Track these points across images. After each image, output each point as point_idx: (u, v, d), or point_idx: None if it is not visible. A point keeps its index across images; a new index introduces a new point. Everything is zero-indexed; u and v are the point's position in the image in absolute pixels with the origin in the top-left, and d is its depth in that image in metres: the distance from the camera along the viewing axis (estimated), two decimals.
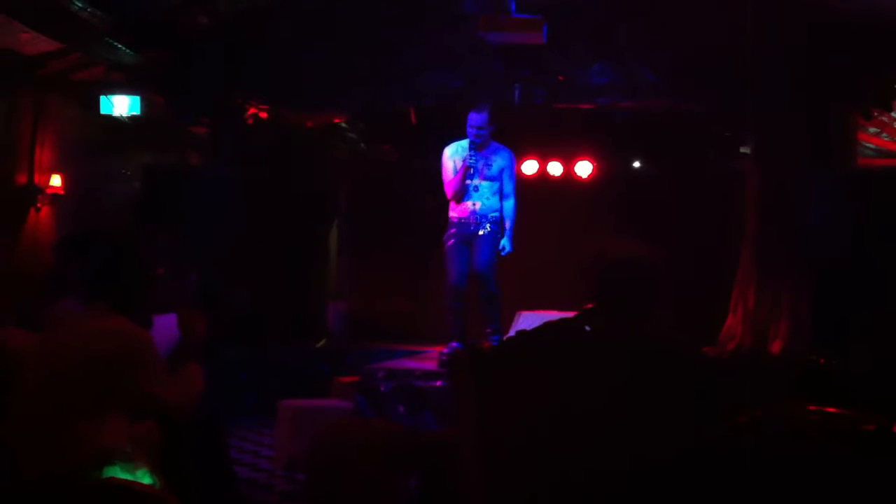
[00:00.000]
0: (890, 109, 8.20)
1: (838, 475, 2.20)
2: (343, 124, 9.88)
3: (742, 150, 9.19)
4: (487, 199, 6.43)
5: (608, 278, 2.65)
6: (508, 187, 6.48)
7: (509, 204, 6.48)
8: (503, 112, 6.64)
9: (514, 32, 6.79)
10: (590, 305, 2.50)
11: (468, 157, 6.33)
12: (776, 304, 7.02)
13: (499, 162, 6.45)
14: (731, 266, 7.46)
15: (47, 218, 9.47)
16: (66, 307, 3.33)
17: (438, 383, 6.30)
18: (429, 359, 7.21)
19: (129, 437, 2.77)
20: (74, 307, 3.12)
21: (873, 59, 7.39)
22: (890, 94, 7.79)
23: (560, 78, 7.94)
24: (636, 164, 10.63)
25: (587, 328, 2.48)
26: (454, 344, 6.39)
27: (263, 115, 8.61)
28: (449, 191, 6.46)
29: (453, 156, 6.47)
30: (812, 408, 2.35)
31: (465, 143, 6.42)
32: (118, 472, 2.70)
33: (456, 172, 6.38)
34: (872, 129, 9.44)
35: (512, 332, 6.51)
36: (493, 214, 6.44)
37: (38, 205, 9.36)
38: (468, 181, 6.38)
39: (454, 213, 6.50)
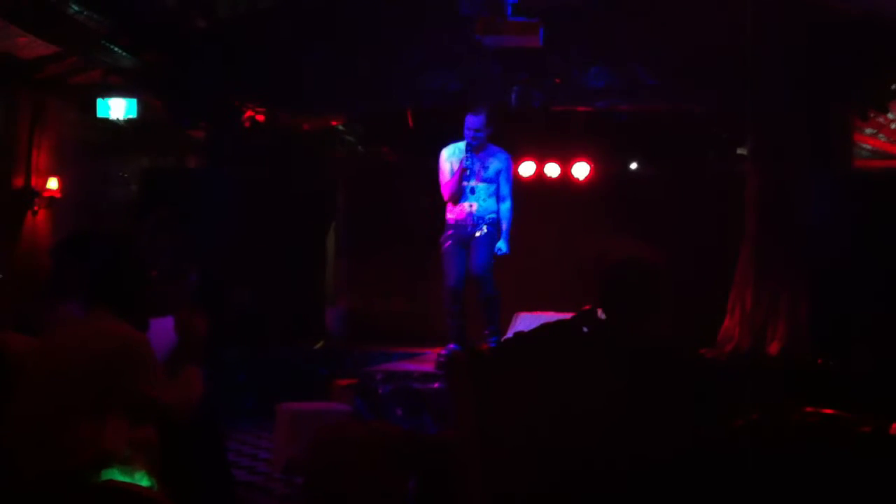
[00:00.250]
0: (886, 111, 8.22)
1: (835, 476, 2.21)
2: (340, 126, 9.89)
3: (739, 151, 9.21)
4: (484, 200, 6.44)
5: (609, 280, 2.67)
6: (505, 189, 6.49)
7: (506, 206, 6.48)
8: (501, 114, 6.65)
9: (511, 36, 6.80)
10: (587, 307, 2.51)
11: (465, 158, 6.34)
12: (774, 305, 7.02)
13: (495, 164, 6.45)
14: (728, 267, 7.47)
15: (44, 221, 9.46)
16: (67, 311, 3.33)
17: (436, 385, 6.30)
18: (427, 361, 7.21)
19: (127, 440, 2.77)
20: (74, 311, 3.12)
21: (872, 59, 7.41)
22: (886, 96, 7.81)
23: (557, 80, 7.96)
24: (633, 166, 10.65)
25: (585, 329, 2.48)
26: (452, 346, 6.39)
27: (260, 117, 8.62)
28: (446, 192, 6.47)
29: (450, 157, 6.48)
30: (809, 409, 2.36)
31: (462, 144, 6.42)
32: (116, 475, 2.70)
33: (453, 174, 6.39)
34: (869, 131, 9.46)
35: (510, 334, 6.51)
36: (490, 216, 6.45)
37: (35, 208, 9.35)
38: (465, 183, 6.39)
39: (451, 214, 6.50)
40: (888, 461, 2.20)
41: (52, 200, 9.47)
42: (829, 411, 2.35)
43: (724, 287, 7.44)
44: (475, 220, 6.42)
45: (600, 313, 2.54)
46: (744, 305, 7.18)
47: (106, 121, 9.44)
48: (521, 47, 7.20)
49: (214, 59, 8.17)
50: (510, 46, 7.21)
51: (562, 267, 9.86)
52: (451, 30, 7.72)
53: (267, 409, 7.01)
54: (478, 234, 6.41)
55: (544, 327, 2.51)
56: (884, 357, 6.23)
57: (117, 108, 9.28)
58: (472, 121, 6.34)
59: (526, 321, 7.31)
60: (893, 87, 7.69)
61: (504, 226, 6.47)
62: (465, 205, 6.43)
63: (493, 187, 6.46)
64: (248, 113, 8.54)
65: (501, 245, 6.45)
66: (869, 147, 9.97)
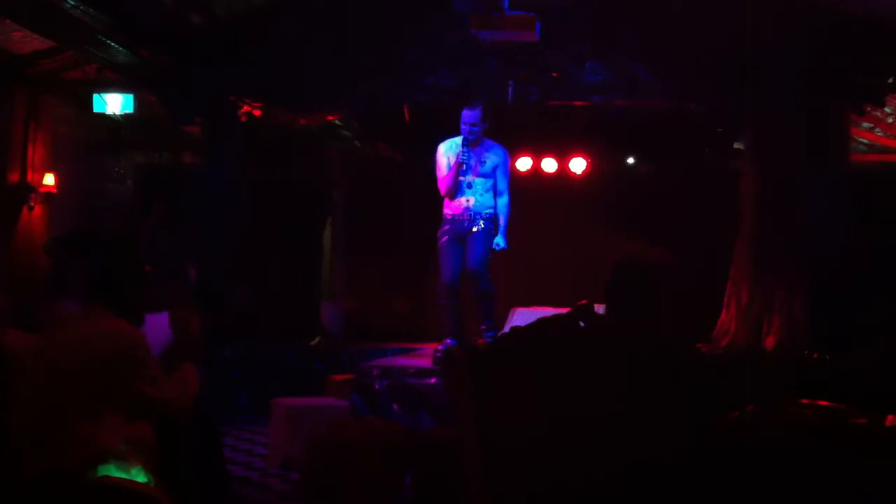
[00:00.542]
0: (883, 105, 8.22)
1: (831, 468, 2.21)
2: (337, 122, 9.87)
3: (736, 145, 9.21)
4: (481, 195, 6.43)
5: (612, 277, 2.69)
6: (502, 184, 6.48)
7: (503, 201, 6.48)
8: (497, 109, 6.64)
9: (507, 30, 6.78)
10: (584, 301, 2.51)
11: (461, 153, 6.34)
12: (770, 299, 7.04)
13: (492, 159, 6.45)
14: (724, 262, 7.48)
15: (40, 217, 9.45)
16: (65, 308, 3.33)
17: (433, 381, 6.30)
18: (423, 356, 7.21)
19: (124, 436, 2.77)
20: (72, 308, 3.12)
21: (871, 58, 7.42)
22: (883, 90, 7.82)
23: (554, 75, 7.95)
24: (630, 161, 10.66)
25: (581, 324, 2.48)
26: (449, 341, 6.39)
27: (257, 112, 8.60)
28: (442, 187, 6.46)
29: (447, 152, 6.47)
30: (804, 401, 2.36)
31: (458, 139, 6.42)
32: (113, 471, 2.70)
33: (449, 169, 6.39)
34: (865, 125, 9.46)
35: (506, 329, 6.52)
36: (487, 211, 6.44)
37: (31, 203, 9.34)
38: (461, 178, 6.39)
39: (448, 210, 6.50)
40: (883, 452, 2.21)
41: (48, 196, 9.46)
42: (824, 403, 2.36)
43: (720, 282, 7.45)
44: (472, 216, 6.42)
45: (597, 308, 2.54)
46: (740, 300, 7.19)
47: (102, 116, 9.43)
48: (518, 42, 7.18)
49: (211, 55, 8.14)
50: (506, 41, 7.19)
51: (558, 262, 9.90)
52: (448, 25, 7.70)
53: (263, 406, 7.01)
54: (474, 229, 6.41)
55: (541, 322, 2.50)
56: (883, 352, 6.23)
57: (113, 104, 9.26)
58: (467, 115, 6.33)
59: (522, 316, 7.32)
60: (890, 81, 7.69)
61: (501, 221, 6.47)
62: (462, 200, 6.43)
63: (489, 182, 6.46)
64: (245, 108, 8.52)
65: (499, 240, 6.45)
66: (866, 141, 9.97)
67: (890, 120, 9.42)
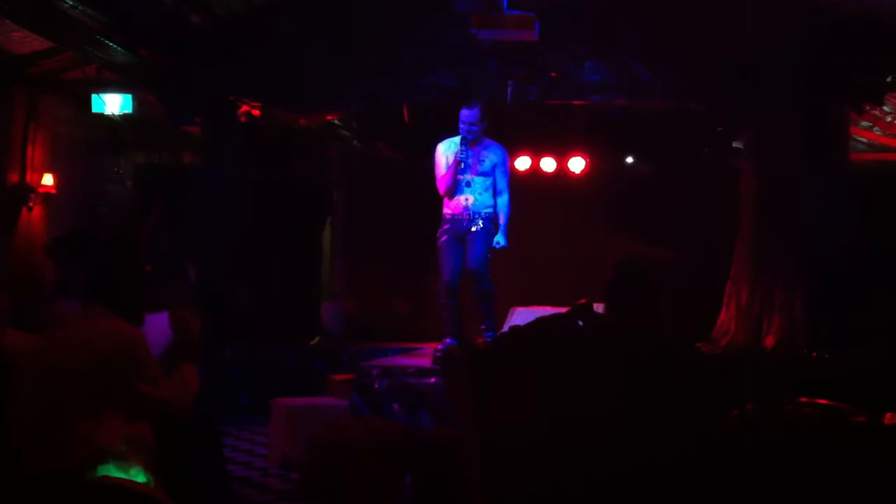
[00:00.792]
0: (882, 104, 8.23)
1: (830, 467, 2.22)
2: (337, 122, 9.88)
3: (735, 144, 9.22)
4: (480, 194, 6.42)
5: (612, 277, 2.69)
6: (502, 183, 6.48)
7: (503, 199, 6.48)
8: (497, 109, 6.63)
9: (507, 30, 6.78)
10: (583, 300, 2.51)
11: (459, 151, 6.33)
12: (770, 298, 7.04)
13: (491, 158, 6.44)
14: (724, 261, 7.48)
15: (39, 217, 9.45)
16: (65, 308, 3.34)
17: (433, 380, 6.30)
18: (423, 356, 7.21)
19: (123, 436, 2.77)
20: (72, 308, 3.12)
21: (870, 57, 7.42)
22: (882, 89, 7.82)
23: (553, 75, 7.95)
24: (629, 160, 10.66)
25: (580, 323, 2.49)
26: (448, 340, 6.39)
27: (256, 112, 8.60)
28: (441, 186, 6.46)
29: (446, 152, 6.47)
30: (803, 400, 2.37)
31: (457, 139, 6.41)
32: (112, 471, 2.70)
33: (448, 168, 6.38)
34: (865, 124, 9.47)
35: (506, 328, 6.52)
36: (486, 211, 6.43)
37: (31, 204, 9.34)
38: (460, 176, 6.38)
39: (447, 209, 6.50)
40: (882, 450, 2.21)
41: (47, 196, 9.46)
42: (823, 402, 2.36)
43: (720, 281, 7.45)
44: (471, 215, 6.41)
45: (596, 307, 2.54)
46: (739, 299, 7.20)
47: (101, 116, 9.42)
48: (517, 42, 7.18)
49: (211, 55, 8.15)
50: (506, 41, 7.19)
51: (558, 261, 9.90)
52: (448, 25, 7.70)
53: (263, 405, 7.01)
54: (474, 228, 6.40)
55: (540, 321, 2.51)
56: (882, 351, 6.24)
57: (112, 104, 9.26)
58: (466, 114, 6.33)
59: (522, 316, 7.32)
60: (889, 80, 7.69)
61: (502, 219, 6.47)
62: (461, 199, 6.42)
63: (488, 181, 6.45)
64: (244, 108, 8.52)
65: (500, 238, 6.44)
66: (865, 140, 9.98)
67: (889, 119, 9.43)
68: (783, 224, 7.13)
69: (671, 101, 8.19)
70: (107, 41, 7.58)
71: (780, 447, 2.28)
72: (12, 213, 9.17)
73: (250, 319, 8.98)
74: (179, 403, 2.98)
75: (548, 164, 10.29)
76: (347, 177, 10.83)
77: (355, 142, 10.58)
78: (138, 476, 2.74)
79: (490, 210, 6.44)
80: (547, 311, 2.63)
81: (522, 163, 10.12)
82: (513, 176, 6.76)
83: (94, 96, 9.18)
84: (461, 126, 6.35)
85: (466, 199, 6.41)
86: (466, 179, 6.39)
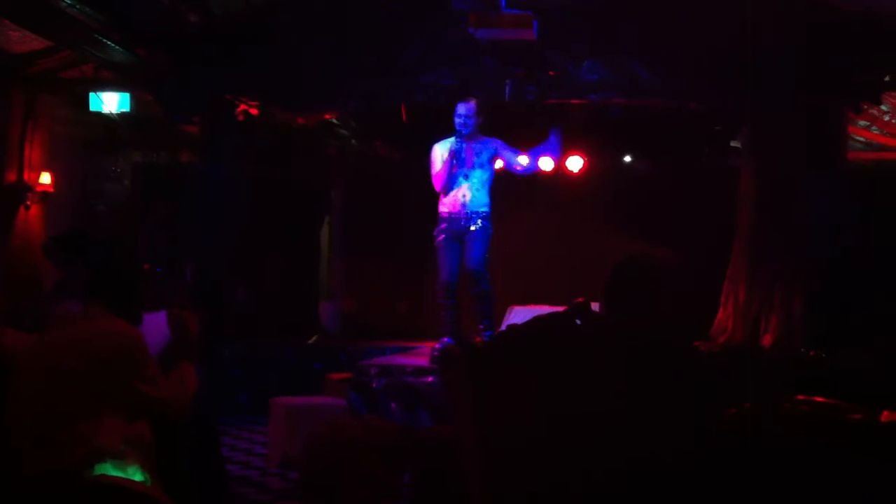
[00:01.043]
0: (879, 103, 8.24)
1: (827, 464, 2.22)
2: (335, 121, 9.87)
3: (733, 143, 9.22)
4: (477, 190, 6.40)
5: (611, 276, 2.69)
6: (513, 156, 6.47)
7: (522, 158, 6.46)
8: (495, 108, 6.63)
9: (505, 29, 6.78)
10: (580, 299, 2.51)
11: (454, 143, 6.32)
12: (768, 297, 7.04)
13: (488, 150, 6.43)
14: (723, 261, 7.48)
15: (37, 216, 9.44)
16: (64, 308, 3.33)
17: (431, 379, 6.30)
18: (421, 355, 7.21)
19: (122, 436, 2.77)
20: (71, 307, 3.12)
21: (868, 56, 7.42)
22: (880, 88, 7.83)
23: (552, 74, 7.94)
24: (628, 160, 10.66)
25: (578, 322, 2.49)
26: (446, 340, 6.39)
27: (254, 111, 8.59)
28: (437, 182, 6.44)
29: (441, 150, 6.46)
30: (801, 398, 2.37)
31: (453, 138, 6.41)
32: (110, 470, 2.70)
33: (444, 163, 6.38)
34: (862, 123, 9.48)
35: (504, 328, 6.51)
36: (483, 209, 6.42)
37: (28, 203, 9.33)
38: (456, 169, 6.35)
39: (444, 207, 6.48)
40: (879, 449, 2.21)
41: (45, 196, 9.45)
42: (820, 399, 2.36)
43: (719, 280, 7.45)
44: (468, 214, 6.40)
45: (593, 306, 2.54)
46: (737, 298, 7.20)
47: (98, 115, 9.42)
48: (515, 41, 7.18)
49: (208, 55, 8.14)
50: (504, 40, 7.19)
51: (556, 260, 9.89)
52: (446, 24, 7.70)
53: (262, 405, 7.01)
54: (472, 228, 6.40)
55: (538, 320, 2.51)
56: (879, 350, 6.24)
57: (110, 102, 9.25)
58: (461, 108, 6.35)
59: (520, 315, 7.32)
60: (887, 79, 7.70)
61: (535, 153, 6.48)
62: (458, 195, 6.40)
63: (486, 175, 6.43)
64: (243, 108, 8.52)
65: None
66: (863, 139, 9.99)
67: (887, 118, 9.44)
68: (782, 223, 7.13)
69: (670, 100, 8.18)
70: (104, 40, 7.57)
71: (777, 445, 2.28)
72: (10, 212, 9.16)
73: (249, 319, 8.97)
74: (178, 403, 2.98)
75: (546, 164, 10.27)
76: (346, 176, 10.83)
77: (354, 141, 10.58)
78: (135, 475, 2.74)
79: (486, 209, 6.43)
80: (545, 310, 2.63)
81: (521, 162, 10.10)
82: (511, 175, 6.75)
83: (91, 95, 9.18)
84: (456, 120, 6.35)
85: (464, 196, 6.39)
86: (464, 172, 6.38)
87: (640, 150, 10.46)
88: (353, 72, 8.16)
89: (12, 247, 9.07)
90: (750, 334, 7.02)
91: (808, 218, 7.26)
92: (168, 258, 8.07)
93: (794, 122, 7.20)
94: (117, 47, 7.72)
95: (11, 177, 9.25)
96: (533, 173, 6.58)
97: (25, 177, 9.33)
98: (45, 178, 9.41)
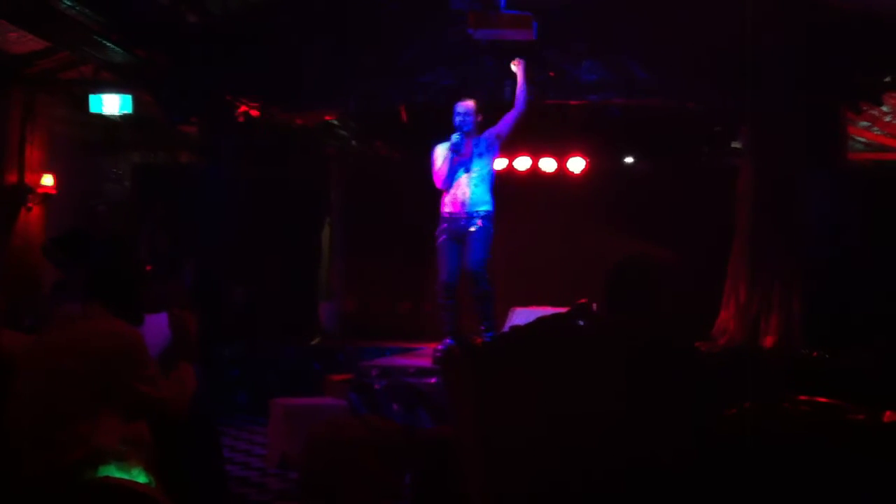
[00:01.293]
0: (880, 103, 8.23)
1: (828, 465, 2.22)
2: (334, 121, 9.87)
3: (733, 145, 9.22)
4: (476, 185, 6.37)
5: (610, 277, 2.69)
6: (503, 121, 6.46)
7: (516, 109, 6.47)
8: (495, 109, 6.62)
9: (504, 29, 6.77)
10: (582, 300, 2.51)
11: (453, 137, 6.32)
12: (768, 298, 7.04)
13: (486, 139, 6.42)
14: (723, 261, 7.48)
15: (38, 218, 9.44)
16: (64, 308, 3.33)
17: (432, 380, 6.30)
18: (422, 356, 7.20)
19: (121, 436, 2.77)
20: (71, 308, 3.12)
21: (869, 56, 7.42)
22: (880, 89, 7.83)
23: (551, 74, 7.94)
24: (629, 160, 10.66)
25: (580, 323, 2.48)
26: (448, 340, 6.38)
27: (255, 112, 8.59)
28: (438, 179, 6.43)
29: (443, 150, 6.46)
30: (802, 398, 2.37)
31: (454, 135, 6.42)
32: (113, 472, 2.70)
33: (444, 160, 6.38)
34: (863, 123, 9.48)
35: (506, 329, 6.51)
36: (484, 209, 6.40)
37: (29, 204, 9.33)
38: (456, 161, 6.34)
39: (445, 207, 6.47)
40: (881, 448, 2.21)
41: (45, 197, 9.45)
42: (821, 400, 2.36)
43: (719, 281, 7.45)
44: (469, 214, 6.39)
45: (594, 307, 2.54)
46: (738, 299, 7.20)
47: (97, 116, 9.41)
48: (514, 41, 7.17)
49: (208, 55, 8.14)
50: (503, 40, 7.18)
51: (557, 262, 9.90)
52: (446, 24, 7.70)
53: (261, 405, 7.01)
54: (472, 228, 6.38)
55: (540, 321, 2.50)
56: (880, 350, 6.24)
57: (111, 104, 9.24)
58: (459, 106, 6.38)
59: (521, 316, 7.31)
60: (888, 80, 7.70)
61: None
62: (459, 192, 6.37)
63: (486, 168, 6.40)
64: (242, 108, 8.52)
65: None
66: (863, 140, 9.99)
67: (888, 118, 9.44)
68: (781, 223, 7.13)
69: (670, 100, 8.18)
70: (103, 41, 7.57)
71: (778, 446, 2.28)
72: (11, 213, 9.16)
73: (249, 319, 8.98)
74: (177, 403, 2.98)
75: (547, 165, 10.28)
76: (345, 176, 10.83)
77: (353, 141, 10.58)
78: (139, 476, 2.74)
79: (488, 208, 6.41)
80: (546, 311, 2.62)
81: (522, 163, 10.11)
82: (513, 176, 6.75)
83: (91, 96, 9.17)
84: (456, 118, 6.36)
85: (464, 194, 6.37)
86: (464, 163, 6.36)
87: (641, 150, 10.47)
88: (353, 72, 8.16)
89: (13, 247, 9.07)
90: (750, 335, 7.02)
91: (808, 218, 7.26)
92: (167, 258, 8.07)
93: (794, 122, 7.20)
94: (116, 48, 7.72)
95: (12, 179, 9.24)
96: (523, 113, 6.51)
97: (26, 179, 9.33)
98: (47, 179, 9.41)
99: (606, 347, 2.46)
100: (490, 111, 6.56)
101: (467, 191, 6.38)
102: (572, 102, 8.40)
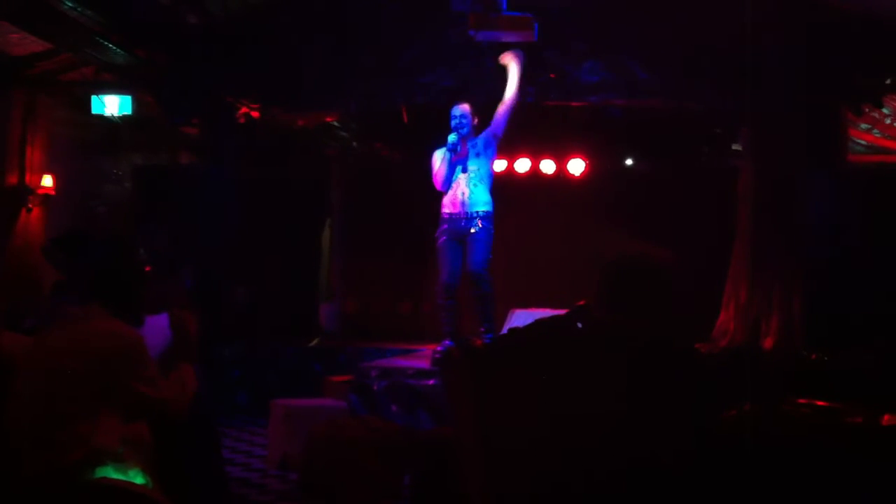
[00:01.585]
0: (881, 106, 8.23)
1: (828, 467, 2.22)
2: (335, 122, 9.87)
3: (734, 146, 9.22)
4: (475, 185, 6.37)
5: (612, 276, 2.68)
6: (497, 117, 6.45)
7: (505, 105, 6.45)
8: (494, 110, 6.61)
9: (505, 31, 6.77)
10: (582, 302, 2.51)
11: (450, 137, 6.33)
12: (768, 299, 7.04)
13: (483, 138, 6.43)
14: (724, 262, 7.48)
15: (39, 218, 9.44)
16: (64, 309, 3.33)
17: (432, 382, 6.30)
18: (421, 357, 7.20)
19: (121, 436, 2.77)
20: (71, 309, 3.12)
21: (869, 58, 7.42)
22: (881, 91, 7.82)
23: (552, 76, 7.94)
24: (629, 161, 10.66)
25: (579, 325, 2.48)
26: (447, 342, 6.38)
27: (255, 114, 8.60)
28: (437, 182, 6.43)
29: (442, 153, 6.46)
30: (802, 401, 2.37)
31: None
32: (111, 473, 2.70)
33: (443, 162, 6.38)
34: (864, 126, 9.47)
35: (505, 330, 6.51)
36: (484, 209, 6.40)
37: (30, 205, 9.33)
38: (454, 160, 6.34)
39: (445, 208, 6.48)
40: (879, 452, 2.21)
41: (46, 198, 9.45)
42: (821, 403, 2.36)
43: (720, 282, 7.45)
44: (469, 214, 6.38)
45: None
46: (738, 300, 7.20)
47: (98, 117, 9.42)
48: (515, 42, 7.17)
49: (208, 56, 8.15)
50: (504, 41, 7.18)
51: (558, 263, 9.90)
52: (446, 25, 7.70)
53: (261, 406, 7.01)
54: (473, 230, 6.38)
55: (539, 323, 2.50)
56: (880, 351, 6.24)
57: (112, 105, 9.25)
58: (456, 109, 6.41)
59: (521, 318, 7.31)
60: (888, 82, 7.69)
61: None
62: (458, 192, 6.37)
63: (484, 168, 6.40)
64: (243, 109, 8.52)
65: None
66: (864, 143, 9.98)
67: (888, 121, 9.44)
68: (782, 224, 7.13)
69: (670, 101, 8.18)
70: (104, 42, 7.58)
71: (778, 448, 2.28)
72: (12, 214, 9.16)
73: (249, 319, 8.98)
74: (177, 404, 2.98)
75: (547, 166, 10.28)
76: (346, 177, 10.83)
77: (354, 142, 10.58)
78: (137, 477, 2.74)
79: (488, 208, 6.41)
80: (546, 313, 2.63)
81: (522, 165, 10.11)
82: (513, 178, 6.75)
83: (93, 97, 9.18)
84: (452, 120, 6.38)
85: (463, 194, 6.36)
86: (461, 162, 6.36)
87: (641, 151, 10.47)
88: (353, 72, 8.16)
89: (13, 248, 9.07)
90: (751, 336, 7.02)
91: (808, 219, 7.26)
92: (168, 259, 8.07)
93: (794, 122, 7.20)
94: (117, 49, 7.73)
95: (13, 179, 9.25)
96: (516, 107, 6.50)
97: (27, 179, 9.33)
98: (47, 180, 9.41)
99: (606, 348, 2.46)
100: (488, 113, 6.56)
101: (466, 191, 6.37)
102: (573, 104, 8.40)
